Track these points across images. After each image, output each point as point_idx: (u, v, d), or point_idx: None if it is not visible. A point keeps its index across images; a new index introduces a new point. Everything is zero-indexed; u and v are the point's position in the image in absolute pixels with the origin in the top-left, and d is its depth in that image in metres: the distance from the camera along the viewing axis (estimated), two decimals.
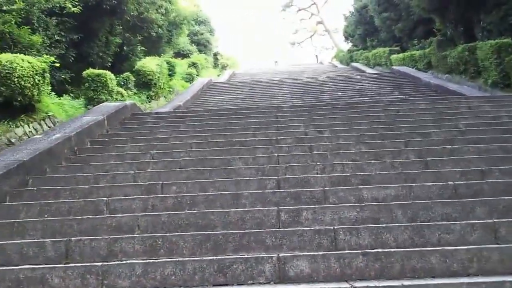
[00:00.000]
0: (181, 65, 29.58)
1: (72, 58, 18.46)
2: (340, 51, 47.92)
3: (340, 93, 20.13)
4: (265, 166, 8.36)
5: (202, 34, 37.45)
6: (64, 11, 16.97)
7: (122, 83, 19.17)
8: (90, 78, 16.18)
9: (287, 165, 8.36)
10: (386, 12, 32.65)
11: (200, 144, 10.07)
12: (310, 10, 67.82)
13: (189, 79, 27.28)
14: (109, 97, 16.34)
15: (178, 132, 11.17)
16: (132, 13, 21.34)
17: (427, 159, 8.28)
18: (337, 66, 39.90)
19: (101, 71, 16.55)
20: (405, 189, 7.01)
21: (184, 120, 12.29)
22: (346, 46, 47.05)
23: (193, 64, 28.85)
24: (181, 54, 33.22)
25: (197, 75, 28.11)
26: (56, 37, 16.91)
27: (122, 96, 17.69)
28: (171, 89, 23.13)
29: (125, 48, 23.35)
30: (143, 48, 24.52)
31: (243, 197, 7.03)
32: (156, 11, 23.70)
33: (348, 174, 7.85)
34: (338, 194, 7.02)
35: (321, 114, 12.23)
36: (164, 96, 21.92)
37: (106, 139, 10.73)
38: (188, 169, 8.45)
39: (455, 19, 23.18)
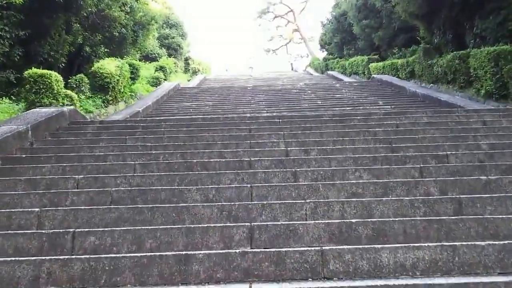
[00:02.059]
0: (148, 69, 26.80)
1: (18, 57, 15.69)
2: (315, 59, 45.47)
3: (319, 102, 17.56)
4: (233, 203, 5.67)
5: (173, 37, 34.62)
6: (4, 1, 14.17)
7: (75, 86, 16.36)
8: (32, 79, 13.35)
9: (264, 202, 5.68)
10: (366, 20, 30.39)
11: (147, 165, 7.34)
12: (286, 17, 65.29)
13: (156, 83, 24.44)
14: (54, 101, 13.51)
15: (122, 148, 8.42)
16: (89, 9, 18.53)
17: (460, 196, 5.69)
18: (312, 74, 37.41)
19: (45, 71, 13.70)
20: (445, 251, 4.40)
21: (134, 132, 9.52)
22: (322, 54, 44.73)
23: (161, 68, 25.99)
24: (149, 58, 30.37)
25: (164, 80, 25.28)
26: None
27: (72, 100, 14.81)
28: (133, 94, 20.29)
29: (87, 48, 20.48)
30: (107, 49, 21.66)
31: (195, 261, 4.34)
32: (120, 9, 20.90)
33: (353, 219, 5.20)
34: (343, 258, 4.37)
35: (304, 128, 9.61)
36: (125, 101, 19.08)
37: (24, 156, 7.90)
38: (121, 206, 5.72)
39: (445, 25, 20.87)
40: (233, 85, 25.53)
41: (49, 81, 13.51)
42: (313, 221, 5.16)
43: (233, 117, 10.92)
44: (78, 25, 19.22)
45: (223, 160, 7.50)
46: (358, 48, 34.09)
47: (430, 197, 5.72)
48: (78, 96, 15.64)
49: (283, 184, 6.38)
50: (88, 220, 5.47)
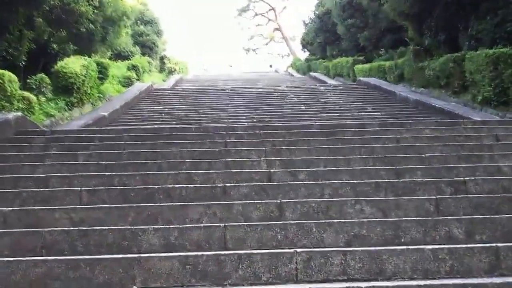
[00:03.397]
0: (120, 68, 25.23)
1: None
2: (297, 60, 44.20)
3: (303, 107, 16.27)
4: (200, 254, 4.30)
5: (148, 35, 33.00)
6: None
7: (34, 87, 14.86)
8: None
9: (242, 252, 4.31)
10: (351, 19, 29.19)
11: (97, 193, 5.93)
12: (267, 15, 63.82)
13: (128, 83, 22.92)
14: (7, 104, 11.98)
15: (70, 167, 6.99)
16: (52, 2, 16.99)
17: (497, 245, 4.41)
18: (294, 76, 36.12)
19: None
20: None
21: (88, 146, 8.10)
22: (303, 54, 43.45)
23: (133, 67, 24.45)
24: (122, 56, 28.71)
25: (137, 80, 23.76)
26: None
27: (30, 103, 13.30)
28: (101, 95, 18.78)
29: (54, 46, 18.91)
30: (75, 47, 20.07)
31: None
32: (87, 3, 19.34)
33: (362, 284, 3.88)
34: None
35: (289, 142, 8.29)
36: (92, 103, 17.57)
37: None
38: (50, 258, 4.31)
39: (437, 25, 19.72)
40: (210, 86, 24.15)
41: (1, 81, 12.00)
42: (308, 285, 3.83)
43: (206, 127, 9.52)
44: (41, 20, 17.68)
45: (192, 185, 6.13)
46: (342, 49, 32.91)
47: (458, 246, 4.42)
48: (38, 98, 14.15)
49: (266, 222, 5.03)
50: (5, 278, 4.08)
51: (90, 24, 19.82)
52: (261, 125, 9.84)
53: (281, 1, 62.95)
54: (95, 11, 20.00)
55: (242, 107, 16.59)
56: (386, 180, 6.27)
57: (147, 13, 34.70)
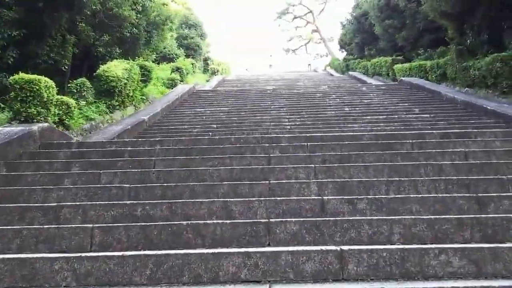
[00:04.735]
0: (164, 70, 23.93)
1: (12, 59, 13.05)
2: (335, 59, 42.10)
3: (347, 108, 14.50)
4: None
5: (192, 38, 31.55)
6: None
7: (75, 91, 13.59)
8: (18, 86, 10.59)
9: None
10: (389, 20, 27.18)
11: (111, 231, 4.40)
12: (305, 18, 61.52)
13: (172, 85, 21.54)
14: (43, 110, 10.70)
15: (89, 192, 5.48)
16: (94, 7, 15.67)
17: None
18: (333, 75, 34.09)
19: (33, 76, 10.84)
20: None
21: (115, 162, 6.59)
22: (341, 54, 41.38)
23: (177, 69, 23.06)
24: (167, 58, 27.39)
25: (180, 81, 22.34)
26: None
27: (68, 107, 11.99)
28: (144, 97, 17.44)
29: (100, 49, 17.61)
30: (120, 50, 18.76)
31: None
32: (131, 8, 18.00)
33: None
34: None
35: (341, 157, 6.60)
36: (135, 105, 16.25)
37: None
38: None
39: (480, 24, 17.63)
40: (252, 87, 22.54)
41: (38, 87, 10.68)
42: None
43: (247, 139, 7.88)
44: (84, 25, 16.41)
45: (228, 221, 4.55)
46: (379, 49, 30.87)
47: None
48: (77, 103, 12.86)
49: (323, 277, 3.44)
50: None
51: (134, 28, 18.55)
52: (307, 135, 8.13)
53: (318, 4, 60.73)
54: (139, 15, 18.69)
55: (284, 108, 14.94)
56: (470, 216, 4.56)
57: (191, 17, 33.28)
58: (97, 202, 5.11)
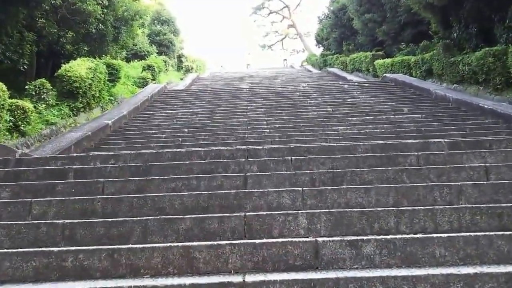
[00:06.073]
0: (135, 68, 22.43)
1: None
2: (312, 55, 40.85)
3: (330, 109, 13.24)
4: None
5: (164, 34, 29.94)
6: None
7: (34, 93, 12.12)
8: None
9: None
10: (369, 14, 26.06)
11: None
12: (281, 13, 60.19)
13: (143, 84, 20.05)
14: None
15: (11, 231, 4.13)
16: (54, 1, 14.18)
17: None
18: (311, 71, 32.79)
19: None
20: None
21: (54, 186, 5.22)
22: (318, 50, 40.21)
23: (149, 67, 21.57)
24: (138, 56, 25.82)
25: (152, 80, 20.84)
26: None
27: (24, 112, 10.58)
28: (112, 98, 15.98)
29: (67, 47, 16.10)
30: (86, 48, 17.22)
31: None
32: (96, 2, 16.48)
33: None
34: None
35: (333, 175, 5.30)
36: (102, 107, 14.78)
37: None
38: None
39: (468, 17, 16.58)
40: (227, 85, 21.19)
41: None
42: None
43: (219, 152, 6.53)
44: (44, 21, 14.89)
45: (188, 280, 3.24)
46: (358, 44, 29.81)
47: None
48: (36, 106, 11.42)
49: None
50: None
51: (100, 24, 17.03)
52: (291, 145, 6.77)
53: None
54: (105, 10, 17.18)
55: (262, 109, 13.64)
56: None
57: (164, 12, 31.69)
58: (15, 250, 3.74)
